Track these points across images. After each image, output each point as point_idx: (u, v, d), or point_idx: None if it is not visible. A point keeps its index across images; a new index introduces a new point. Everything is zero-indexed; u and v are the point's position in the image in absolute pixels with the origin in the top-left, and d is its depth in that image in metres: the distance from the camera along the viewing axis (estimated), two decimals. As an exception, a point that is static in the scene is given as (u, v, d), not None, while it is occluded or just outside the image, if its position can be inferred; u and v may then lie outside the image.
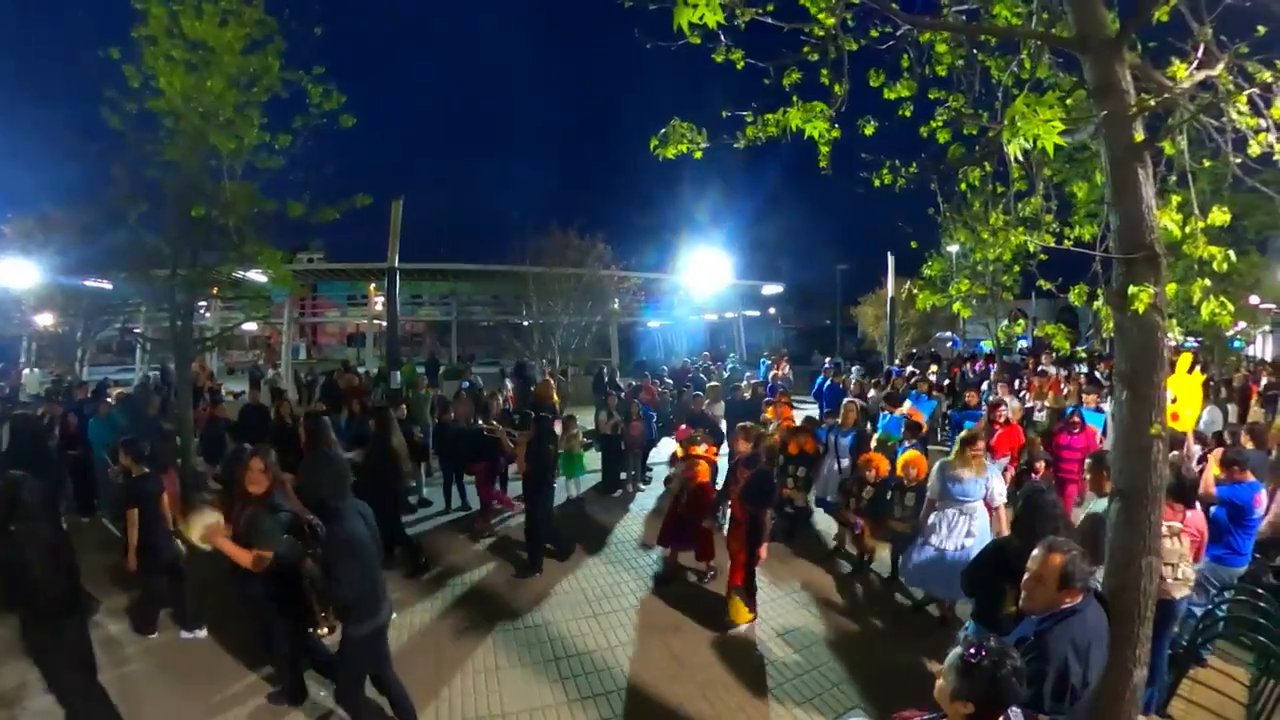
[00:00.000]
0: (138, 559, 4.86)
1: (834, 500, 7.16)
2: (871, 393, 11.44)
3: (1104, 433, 8.72)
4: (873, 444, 7.94)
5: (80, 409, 8.94)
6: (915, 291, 4.87)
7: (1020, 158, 3.26)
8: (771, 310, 38.10)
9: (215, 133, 7.18)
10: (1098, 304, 3.43)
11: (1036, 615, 2.61)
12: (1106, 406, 10.76)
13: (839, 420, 7.76)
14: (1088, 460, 4.77)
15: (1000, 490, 5.47)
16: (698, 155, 3.63)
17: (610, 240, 17.94)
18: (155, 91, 7.02)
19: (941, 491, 5.39)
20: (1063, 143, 2.60)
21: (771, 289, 28.93)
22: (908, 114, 3.99)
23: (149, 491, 5.00)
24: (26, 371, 16.20)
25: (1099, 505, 4.07)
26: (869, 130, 3.86)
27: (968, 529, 5.31)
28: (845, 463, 7.26)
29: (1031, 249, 3.91)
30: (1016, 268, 4.59)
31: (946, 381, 13.99)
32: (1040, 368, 14.07)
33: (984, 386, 12.53)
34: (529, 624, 5.52)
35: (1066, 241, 3.90)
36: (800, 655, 5.00)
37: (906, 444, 7.18)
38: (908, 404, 9.67)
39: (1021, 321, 14.98)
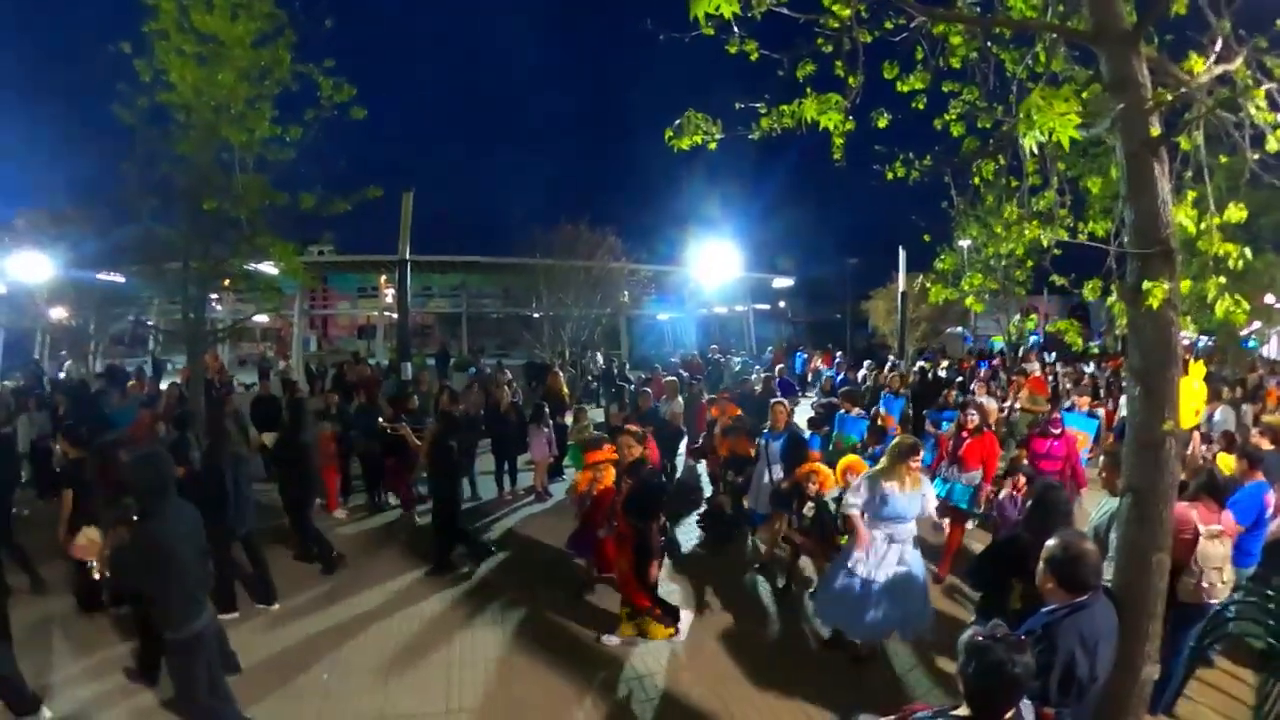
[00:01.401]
0: (70, 538, 5.06)
1: (763, 514, 6.53)
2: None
3: (1095, 440, 8.44)
4: (831, 447, 7.63)
5: (97, 400, 9.07)
6: (928, 285, 4.80)
7: (1035, 151, 3.23)
8: (781, 304, 38.00)
9: (227, 126, 7.21)
10: (1111, 300, 3.41)
11: (1045, 608, 2.62)
12: (1114, 409, 10.61)
13: (768, 424, 6.82)
14: (1102, 458, 4.71)
15: (933, 508, 4.91)
16: (712, 146, 3.62)
17: (620, 233, 17.95)
18: (166, 86, 7.06)
19: (871, 510, 4.59)
20: (1078, 136, 2.57)
21: (782, 282, 28.81)
22: (921, 107, 3.95)
23: (81, 476, 5.25)
24: (69, 363, 16.37)
25: (1110, 504, 4.05)
26: (882, 123, 3.84)
27: (899, 557, 4.56)
28: (778, 471, 6.37)
29: (1045, 244, 3.88)
30: (1030, 263, 4.55)
31: (959, 379, 13.81)
32: (1021, 365, 13.16)
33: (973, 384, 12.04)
34: (533, 615, 5.56)
35: (1081, 236, 3.86)
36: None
37: (875, 449, 6.92)
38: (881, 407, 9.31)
39: (1034, 317, 14.76)
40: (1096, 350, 20.98)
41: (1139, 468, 3.19)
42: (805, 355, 17.72)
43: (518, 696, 4.37)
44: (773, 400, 7.12)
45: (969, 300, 4.72)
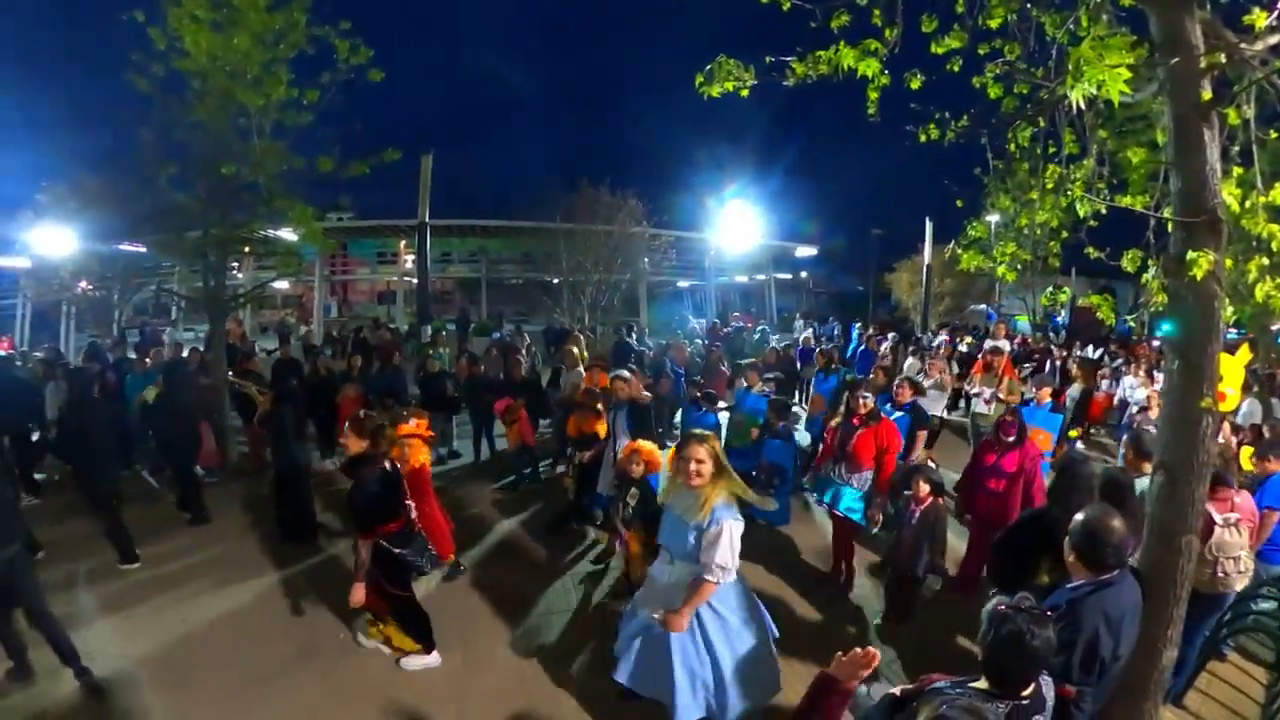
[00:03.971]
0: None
1: (607, 496, 5.61)
2: (909, 360, 11.04)
3: (1060, 438, 7.17)
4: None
5: (118, 367, 9.23)
6: (959, 252, 4.62)
7: (1081, 109, 3.06)
8: (803, 274, 37.53)
9: (243, 90, 7.19)
10: (1148, 276, 3.28)
11: (1069, 584, 2.58)
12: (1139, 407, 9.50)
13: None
14: (1125, 437, 4.55)
15: (724, 555, 3.00)
16: (744, 93, 3.49)
17: (641, 197, 17.73)
18: (181, 53, 7.03)
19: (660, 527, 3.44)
20: (1128, 91, 2.42)
21: (805, 251, 28.40)
22: (956, 69, 3.78)
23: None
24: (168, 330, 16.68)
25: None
26: (915, 84, 3.67)
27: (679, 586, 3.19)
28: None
29: (1082, 213, 3.73)
30: (1065, 234, 4.38)
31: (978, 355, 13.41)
32: (992, 343, 10.79)
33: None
34: (560, 571, 5.60)
35: (1123, 202, 3.69)
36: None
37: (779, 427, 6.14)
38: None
39: (1066, 290, 14.29)
40: (1131, 323, 20.03)
41: (1173, 444, 3.09)
42: (856, 328, 17.23)
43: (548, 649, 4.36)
44: (612, 374, 6.32)
45: (1000, 269, 4.57)
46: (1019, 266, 4.84)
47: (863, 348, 12.86)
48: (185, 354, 9.84)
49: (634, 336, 13.65)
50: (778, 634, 3.50)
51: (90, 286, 16.06)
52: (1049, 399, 7.44)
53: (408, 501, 4.14)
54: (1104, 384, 11.29)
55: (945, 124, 3.90)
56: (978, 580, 5.08)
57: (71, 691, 3.93)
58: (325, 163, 7.77)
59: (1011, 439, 5.06)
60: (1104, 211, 3.68)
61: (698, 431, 3.31)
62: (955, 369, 10.57)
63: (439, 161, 12.82)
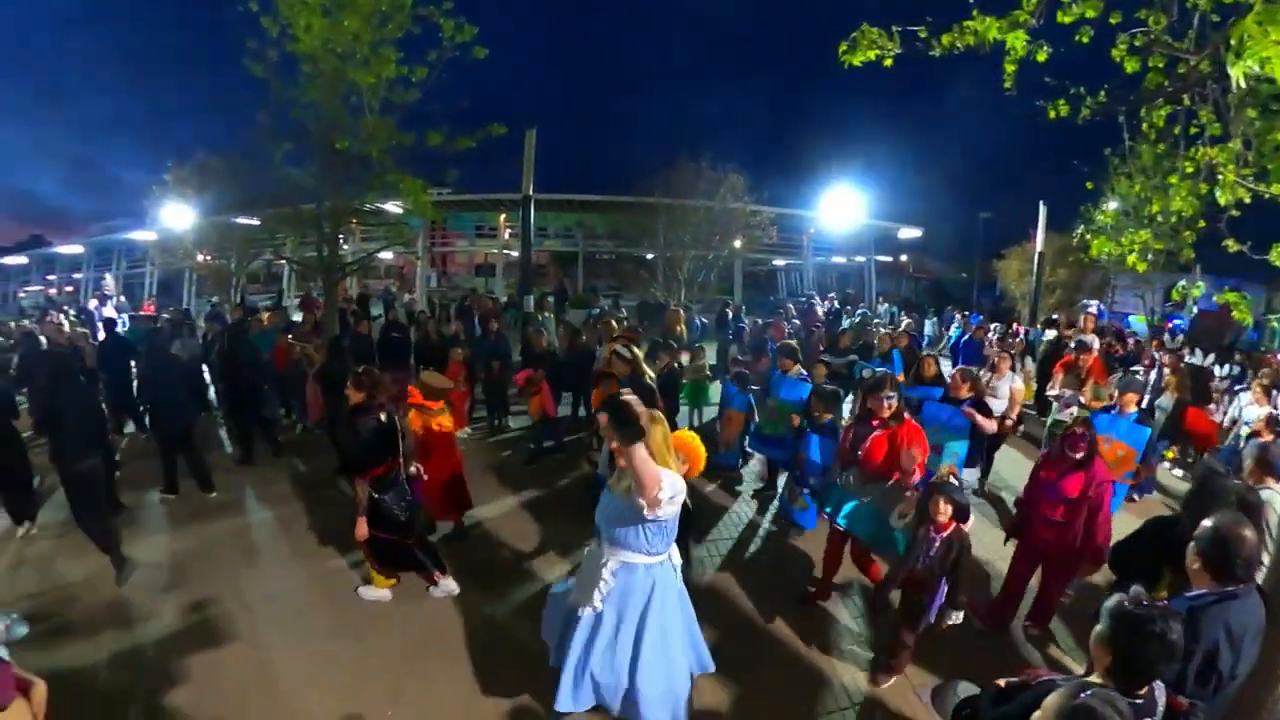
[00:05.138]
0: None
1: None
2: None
3: (1144, 458, 5.69)
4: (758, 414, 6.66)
5: (240, 327, 10.14)
6: (1087, 238, 4.24)
7: (1232, 88, 2.77)
8: (903, 258, 35.89)
9: (354, 69, 7.60)
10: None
11: (1190, 593, 2.43)
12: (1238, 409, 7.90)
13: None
14: (1247, 447, 4.00)
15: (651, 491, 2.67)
16: (888, 63, 3.42)
17: (742, 172, 17.32)
18: (293, 38, 7.50)
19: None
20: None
21: (909, 233, 27.11)
22: (1086, 40, 3.48)
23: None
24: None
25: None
26: (1041, 56, 3.43)
27: (603, 579, 2.95)
28: None
29: (1223, 202, 3.38)
30: (1202, 223, 3.98)
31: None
32: (1079, 339, 9.03)
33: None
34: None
35: (1273, 189, 3.32)
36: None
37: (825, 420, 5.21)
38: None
39: (1200, 284, 12.80)
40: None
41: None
42: (956, 318, 16.32)
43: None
44: (614, 350, 6.23)
45: (1131, 259, 4.22)
46: (1149, 256, 4.46)
47: (966, 337, 12.18)
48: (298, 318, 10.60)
49: (731, 313, 13.50)
50: (710, 667, 3.33)
51: (209, 256, 17.53)
52: (1134, 407, 5.76)
53: (401, 456, 4.41)
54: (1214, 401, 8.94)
55: (1079, 100, 3.62)
56: (1009, 619, 4.39)
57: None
58: (434, 137, 8.12)
59: (1079, 455, 4.01)
60: (1248, 201, 3.33)
61: (653, 416, 2.95)
62: (1030, 365, 9.65)
63: (541, 136, 13.06)
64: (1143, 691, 1.89)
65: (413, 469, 4.60)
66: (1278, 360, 11.43)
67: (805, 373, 6.63)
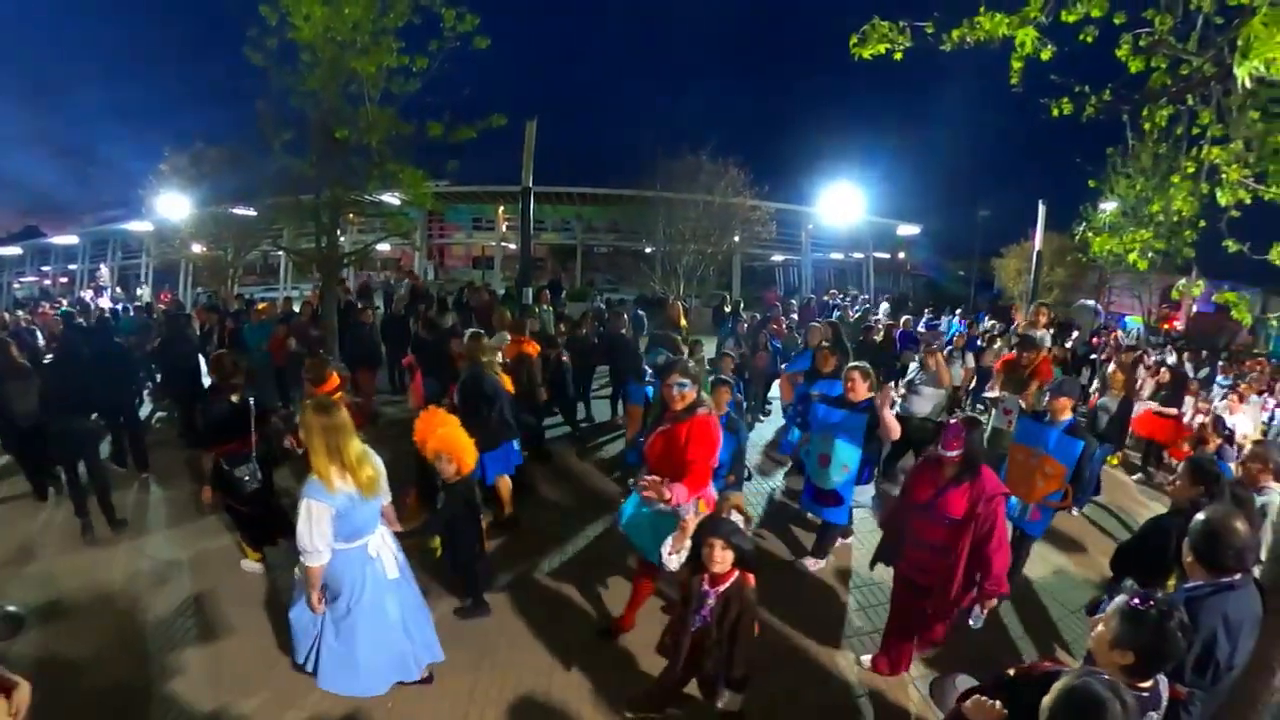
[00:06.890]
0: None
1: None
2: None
3: (1073, 475, 4.46)
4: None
5: (237, 317, 10.13)
6: (1089, 235, 4.24)
7: (1233, 89, 2.79)
8: (901, 255, 35.93)
9: (354, 58, 7.54)
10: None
11: (1186, 585, 2.47)
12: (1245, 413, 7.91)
13: None
14: (1248, 447, 4.06)
15: (302, 537, 2.92)
16: (898, 56, 3.46)
17: (743, 166, 17.38)
18: (293, 26, 7.43)
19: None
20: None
21: (907, 230, 27.12)
22: (1090, 40, 3.50)
23: None
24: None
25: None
26: (1046, 55, 3.45)
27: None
28: None
29: (1223, 202, 3.41)
30: (1202, 223, 4.01)
31: (1091, 355, 12.26)
32: (987, 327, 8.47)
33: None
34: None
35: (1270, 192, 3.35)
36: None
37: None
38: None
39: (1200, 283, 12.78)
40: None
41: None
42: (956, 318, 16.29)
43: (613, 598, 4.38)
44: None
45: (1132, 257, 4.26)
46: (1150, 255, 4.49)
47: (963, 325, 12.19)
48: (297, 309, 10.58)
49: (728, 308, 13.50)
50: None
51: (206, 247, 17.37)
52: (1069, 413, 4.62)
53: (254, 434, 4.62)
54: (1189, 402, 8.48)
55: (1083, 98, 3.64)
56: (905, 666, 3.73)
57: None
58: (435, 127, 8.06)
59: (954, 453, 3.18)
60: (1248, 201, 3.36)
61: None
62: (970, 362, 8.75)
63: (540, 128, 13.01)
64: (1147, 684, 1.92)
65: (285, 442, 4.81)
66: (1266, 365, 11.51)
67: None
